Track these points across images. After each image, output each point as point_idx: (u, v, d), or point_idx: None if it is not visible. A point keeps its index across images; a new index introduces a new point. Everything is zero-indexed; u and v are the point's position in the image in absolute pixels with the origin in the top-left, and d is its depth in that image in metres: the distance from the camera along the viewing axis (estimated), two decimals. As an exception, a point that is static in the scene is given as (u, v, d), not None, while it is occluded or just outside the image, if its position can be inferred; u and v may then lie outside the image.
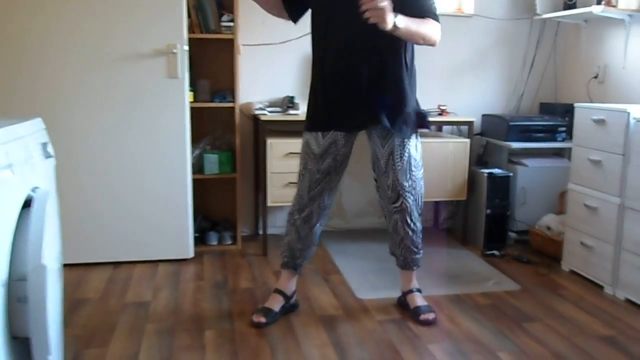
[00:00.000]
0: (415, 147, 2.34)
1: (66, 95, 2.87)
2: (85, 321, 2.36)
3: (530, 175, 3.50)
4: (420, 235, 2.44)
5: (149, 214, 3.03)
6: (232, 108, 3.25)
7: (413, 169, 2.33)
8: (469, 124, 3.44)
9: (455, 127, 3.78)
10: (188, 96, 3.00)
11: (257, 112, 3.31)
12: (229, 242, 3.37)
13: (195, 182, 3.17)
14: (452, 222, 3.90)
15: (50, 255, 1.55)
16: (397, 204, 2.35)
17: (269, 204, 3.18)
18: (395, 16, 1.99)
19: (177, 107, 2.97)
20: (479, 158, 3.79)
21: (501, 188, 3.35)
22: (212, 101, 3.25)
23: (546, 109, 3.79)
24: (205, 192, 3.50)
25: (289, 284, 2.47)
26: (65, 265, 2.68)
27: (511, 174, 3.40)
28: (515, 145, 3.43)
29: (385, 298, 2.64)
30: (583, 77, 3.68)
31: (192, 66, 3.14)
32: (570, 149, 3.15)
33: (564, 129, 3.51)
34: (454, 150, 3.35)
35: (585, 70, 3.67)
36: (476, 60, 3.81)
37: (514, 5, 3.79)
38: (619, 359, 2.12)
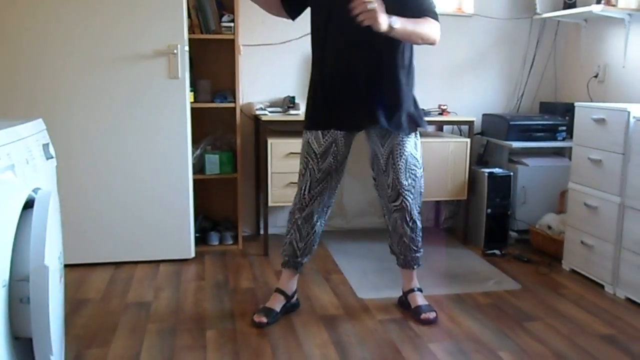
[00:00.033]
0: (415, 145, 2.34)
1: (67, 96, 2.88)
2: (87, 321, 2.37)
3: (531, 175, 3.50)
4: (420, 234, 2.44)
5: (150, 214, 3.03)
6: (233, 108, 3.25)
7: (413, 167, 2.33)
8: (470, 123, 3.45)
9: (455, 126, 3.79)
10: (189, 96, 3.00)
11: (257, 112, 3.32)
12: (230, 242, 3.38)
13: (196, 182, 3.18)
14: (453, 221, 3.90)
15: (51, 256, 1.56)
16: (397, 203, 2.35)
17: (270, 204, 3.19)
18: (390, 17, 1.99)
19: (178, 108, 2.97)
20: (479, 157, 3.79)
21: (502, 187, 3.36)
22: (212, 101, 3.25)
23: (546, 108, 3.80)
24: (206, 192, 3.50)
25: (290, 284, 2.48)
26: (67, 266, 2.69)
27: (512, 174, 3.40)
28: (516, 144, 3.43)
29: (386, 297, 2.64)
30: (583, 77, 3.68)
31: (192, 66, 3.15)
32: (570, 148, 3.16)
33: (564, 128, 3.51)
34: (455, 149, 3.35)
35: (585, 70, 3.67)
36: (476, 59, 3.82)
37: (514, 4, 3.80)
38: (620, 358, 2.12)
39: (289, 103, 3.36)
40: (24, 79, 2.83)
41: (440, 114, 3.53)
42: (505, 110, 3.91)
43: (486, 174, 3.34)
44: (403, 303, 2.53)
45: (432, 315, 2.40)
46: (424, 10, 2.16)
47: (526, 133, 3.46)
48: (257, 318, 2.35)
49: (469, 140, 3.38)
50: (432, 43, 2.18)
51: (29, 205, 1.54)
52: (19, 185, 1.49)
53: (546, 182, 3.51)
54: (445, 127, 3.82)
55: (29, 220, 1.50)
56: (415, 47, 2.32)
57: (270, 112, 3.31)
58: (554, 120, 3.53)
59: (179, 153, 3.01)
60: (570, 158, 3.21)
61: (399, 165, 2.31)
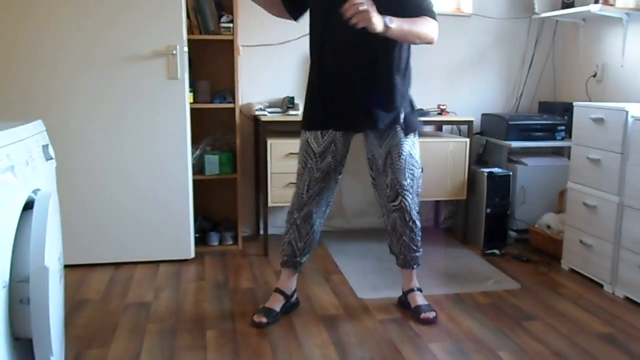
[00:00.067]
0: (413, 145, 2.35)
1: (66, 97, 2.88)
2: (87, 322, 2.37)
3: (530, 174, 3.50)
4: (420, 234, 2.45)
5: (150, 215, 3.04)
6: (232, 109, 3.25)
7: (412, 167, 2.34)
8: (469, 123, 3.45)
9: (454, 126, 3.79)
10: (188, 97, 3.01)
11: (257, 112, 3.33)
12: (230, 242, 3.38)
13: (195, 182, 3.18)
14: (452, 221, 3.91)
15: (51, 257, 1.56)
16: (396, 203, 2.36)
17: (270, 204, 3.19)
18: (384, 17, 1.99)
19: (177, 108, 2.97)
20: (478, 157, 3.80)
21: (501, 187, 3.36)
22: (212, 102, 3.26)
23: (545, 108, 3.80)
24: (206, 192, 3.51)
25: (289, 283, 2.48)
26: (66, 266, 2.69)
27: (511, 173, 3.41)
28: (515, 144, 3.44)
29: (386, 297, 2.65)
30: (582, 76, 3.69)
31: (191, 67, 3.15)
32: (569, 147, 3.16)
33: (563, 127, 3.52)
34: (454, 149, 3.35)
35: (583, 69, 3.68)
36: (475, 59, 3.82)
37: (513, 4, 3.80)
38: (619, 357, 2.13)
39: (288, 103, 3.36)
40: (21, 79, 2.83)
41: (440, 113, 3.54)
42: (504, 110, 3.91)
43: (485, 174, 3.35)
44: (403, 303, 2.53)
45: (431, 315, 2.40)
46: (422, 10, 2.16)
47: (525, 133, 3.47)
48: (257, 318, 2.35)
49: (468, 140, 3.38)
50: (429, 42, 2.18)
51: (28, 206, 1.54)
52: (18, 187, 1.49)
53: (545, 182, 3.52)
54: (444, 127, 3.83)
55: (29, 221, 1.50)
56: (413, 48, 2.32)
57: (269, 112, 3.31)
58: (552, 119, 3.54)
59: (178, 154, 3.01)
60: (569, 157, 3.22)
61: (397, 165, 2.31)
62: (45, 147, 1.80)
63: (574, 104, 3.03)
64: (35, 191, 1.61)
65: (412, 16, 2.11)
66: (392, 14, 2.04)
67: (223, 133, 3.41)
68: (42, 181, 1.71)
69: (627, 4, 3.21)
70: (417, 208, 2.41)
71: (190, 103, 3.07)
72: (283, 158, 3.15)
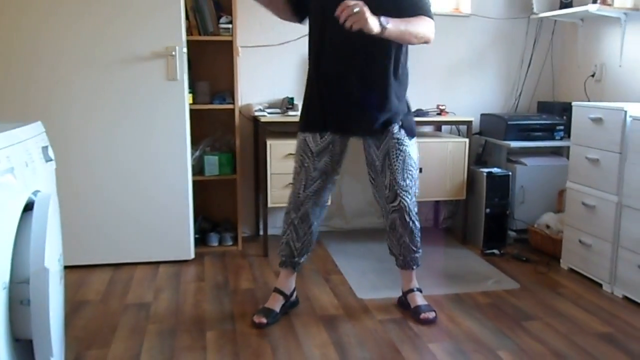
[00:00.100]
0: (411, 147, 2.35)
1: (65, 98, 2.88)
2: (87, 323, 2.37)
3: (529, 174, 3.51)
4: (419, 234, 2.45)
5: (150, 216, 3.04)
6: (232, 109, 3.26)
7: (410, 168, 2.34)
8: (468, 123, 3.46)
9: (454, 126, 3.80)
10: (187, 98, 3.01)
11: (256, 113, 3.33)
12: (230, 243, 3.39)
13: (195, 183, 3.18)
14: (452, 221, 3.91)
15: (51, 258, 1.57)
16: (395, 203, 2.36)
17: (270, 204, 3.19)
18: (379, 18, 1.98)
19: (177, 109, 2.98)
20: (477, 157, 3.80)
21: (500, 187, 3.36)
22: (211, 103, 3.26)
23: (544, 107, 3.81)
24: (206, 193, 3.51)
25: (288, 283, 2.49)
26: (66, 267, 2.70)
27: (510, 173, 3.41)
28: (514, 144, 3.44)
29: (385, 298, 2.65)
30: (580, 76, 3.69)
31: (191, 68, 3.15)
32: (568, 147, 3.17)
33: (562, 127, 3.52)
34: (453, 149, 3.36)
35: (582, 69, 3.68)
36: (474, 59, 3.83)
37: (511, 4, 3.80)
38: (618, 356, 2.13)
39: (288, 104, 3.37)
40: (21, 81, 2.83)
41: (439, 114, 3.54)
42: (503, 110, 3.92)
43: (485, 174, 3.35)
44: (403, 303, 2.54)
45: (431, 315, 2.40)
46: (418, 9, 2.16)
47: (524, 133, 3.47)
48: (256, 319, 2.36)
49: (467, 140, 3.38)
50: (426, 41, 2.18)
51: (28, 207, 1.54)
52: (18, 188, 1.49)
53: (544, 182, 3.52)
54: (443, 127, 3.83)
55: (29, 222, 1.50)
56: (410, 49, 2.33)
57: (269, 113, 3.31)
58: (551, 119, 3.54)
59: (178, 154, 3.02)
60: (568, 157, 3.22)
61: (395, 165, 2.31)
62: (44, 148, 1.80)
63: (573, 103, 3.03)
64: (35, 193, 1.62)
65: (408, 16, 2.11)
66: (389, 14, 2.03)
67: (222, 134, 3.41)
68: (42, 183, 1.71)
69: (625, 4, 3.21)
70: (415, 209, 2.41)
71: (190, 104, 3.07)
72: (283, 159, 3.15)
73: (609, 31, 3.45)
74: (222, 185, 3.49)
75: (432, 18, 2.18)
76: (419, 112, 3.44)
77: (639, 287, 2.59)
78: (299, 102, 3.37)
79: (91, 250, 3.02)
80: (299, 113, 3.29)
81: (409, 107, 2.38)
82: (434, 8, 3.68)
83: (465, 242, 3.53)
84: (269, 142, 3.14)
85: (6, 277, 1.40)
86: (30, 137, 1.69)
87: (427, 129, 3.83)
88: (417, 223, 2.42)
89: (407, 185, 2.34)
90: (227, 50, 3.23)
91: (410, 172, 2.35)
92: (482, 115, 3.75)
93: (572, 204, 3.02)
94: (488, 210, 3.36)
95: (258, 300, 2.61)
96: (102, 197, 2.98)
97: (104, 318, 2.42)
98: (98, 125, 2.93)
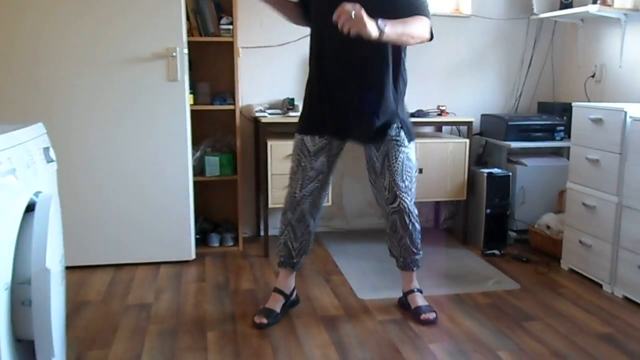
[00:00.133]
0: (410, 149, 2.36)
1: (65, 99, 2.89)
2: (88, 323, 2.38)
3: (530, 175, 3.51)
4: (420, 236, 2.45)
5: (151, 217, 3.04)
6: (233, 110, 3.26)
7: (409, 169, 2.35)
8: (468, 124, 3.46)
9: (454, 127, 3.80)
10: (188, 99, 3.02)
11: (257, 114, 3.33)
12: (231, 243, 3.39)
13: (196, 184, 3.19)
14: (452, 222, 3.92)
15: (53, 259, 1.57)
16: (395, 205, 2.36)
17: (270, 205, 3.20)
18: (377, 20, 1.97)
19: (178, 110, 2.98)
20: (478, 158, 3.81)
21: (501, 188, 3.37)
22: (212, 104, 3.27)
23: (544, 108, 3.81)
24: (207, 194, 3.52)
25: (288, 282, 2.49)
26: (67, 268, 2.70)
27: (510, 174, 3.41)
28: (514, 144, 3.45)
29: (386, 298, 2.65)
30: (580, 76, 3.70)
31: (191, 69, 3.16)
32: (568, 148, 3.17)
33: (562, 128, 3.53)
34: (454, 150, 3.36)
35: (582, 70, 3.69)
36: (474, 60, 3.83)
37: (511, 5, 3.81)
38: (617, 357, 2.13)
39: (288, 105, 3.37)
40: (22, 82, 2.84)
41: (439, 114, 3.54)
42: (504, 111, 3.92)
43: (485, 174, 3.36)
44: (403, 304, 2.54)
45: (432, 315, 2.41)
46: (415, 9, 2.15)
47: (524, 133, 3.47)
48: (257, 319, 2.36)
49: (467, 140, 3.39)
50: (423, 40, 2.16)
51: (30, 208, 1.55)
52: (20, 189, 1.50)
53: (545, 182, 3.52)
54: (444, 127, 3.84)
55: (31, 223, 1.51)
56: (410, 51, 2.33)
57: (269, 114, 3.32)
58: (552, 120, 3.54)
59: (179, 155, 3.02)
60: (568, 158, 3.23)
61: (394, 167, 2.32)
62: (46, 149, 1.80)
63: (573, 104, 3.04)
64: (36, 194, 1.62)
65: (405, 15, 2.10)
66: (386, 14, 2.03)
67: (223, 134, 3.42)
68: (43, 184, 1.72)
69: (625, 5, 3.22)
70: (416, 211, 2.42)
71: (191, 105, 3.08)
72: (283, 159, 3.15)
73: (609, 32, 3.45)
74: (222, 185, 3.49)
75: (428, 17, 2.17)
76: (420, 113, 3.44)
77: (639, 287, 2.59)
78: (299, 103, 3.36)
79: (92, 251, 3.02)
80: (299, 114, 3.32)
81: (405, 111, 2.38)
82: (434, 9, 3.72)
83: (466, 242, 3.54)
84: (269, 143, 3.14)
85: (8, 278, 1.41)
86: (32, 138, 1.69)
87: (428, 129, 3.84)
88: (417, 225, 2.42)
89: (406, 187, 2.35)
90: (227, 51, 3.23)
91: (409, 174, 2.35)
92: (482, 115, 3.76)
93: (572, 205, 3.02)
94: (488, 210, 3.36)
95: (259, 300, 2.62)
96: (103, 198, 2.99)
97: (105, 318, 2.42)
98: (99, 126, 2.94)
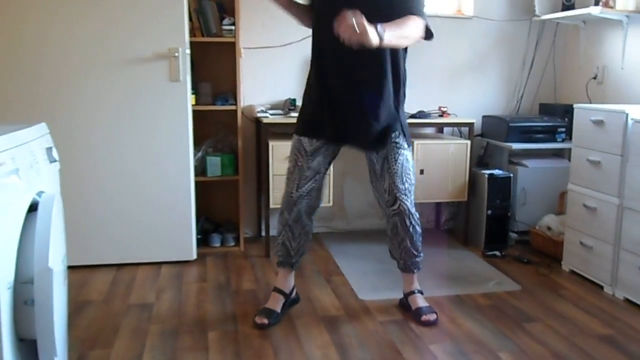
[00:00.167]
0: (408, 153, 2.36)
1: (68, 99, 2.89)
2: (89, 323, 2.38)
3: (531, 176, 3.51)
4: (420, 238, 2.45)
5: (152, 217, 3.05)
6: (234, 111, 3.27)
7: (408, 171, 2.35)
8: (470, 125, 3.46)
9: (455, 128, 3.80)
10: (190, 99, 3.02)
11: (259, 114, 3.34)
12: (232, 243, 3.40)
13: (197, 184, 3.19)
14: (453, 223, 3.92)
15: (55, 259, 1.58)
16: (395, 207, 2.37)
17: (272, 205, 3.20)
18: (375, 26, 1.95)
19: (180, 110, 2.99)
20: (479, 159, 3.81)
21: (502, 189, 3.37)
22: (214, 104, 3.27)
23: (546, 109, 3.81)
24: (208, 194, 3.52)
25: (287, 281, 2.50)
26: (69, 268, 2.70)
27: (511, 175, 3.41)
28: (516, 146, 3.45)
29: (386, 299, 2.66)
30: (582, 78, 3.70)
31: (193, 69, 3.17)
32: (569, 149, 3.17)
33: (563, 129, 3.53)
34: (455, 151, 3.36)
35: (584, 71, 3.69)
36: (476, 61, 3.83)
37: (513, 6, 3.81)
38: (618, 359, 2.13)
39: (290, 105, 3.38)
40: (24, 83, 2.84)
41: (441, 115, 3.55)
42: (505, 112, 3.92)
43: (486, 176, 3.36)
44: (404, 305, 2.54)
45: (432, 316, 2.41)
46: (408, 8, 2.14)
47: (526, 134, 3.47)
48: (258, 319, 2.36)
49: (469, 142, 3.39)
50: (417, 40, 2.16)
51: (33, 208, 1.55)
52: (23, 189, 1.50)
53: (546, 184, 3.52)
54: (445, 129, 3.84)
55: (34, 223, 1.51)
56: (412, 52, 2.33)
57: (271, 114, 3.32)
58: (553, 121, 3.55)
59: (180, 155, 3.03)
60: (569, 159, 3.23)
61: (394, 169, 2.32)
62: (49, 149, 1.81)
63: (575, 105, 3.04)
64: (39, 193, 1.63)
65: (399, 16, 2.09)
66: (383, 14, 2.03)
67: (225, 135, 3.42)
68: (46, 183, 1.72)
69: (627, 6, 3.22)
70: (416, 213, 2.42)
71: (192, 105, 3.08)
72: (285, 160, 3.15)
73: (611, 33, 3.45)
74: (224, 186, 3.50)
75: (422, 16, 2.16)
76: (421, 114, 3.45)
77: (640, 289, 2.60)
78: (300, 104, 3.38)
79: (94, 251, 3.03)
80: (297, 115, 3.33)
81: (403, 115, 2.39)
82: (436, 10, 3.72)
83: (467, 243, 3.54)
84: (271, 143, 3.15)
85: (11, 277, 1.41)
86: (35, 138, 1.70)
87: (429, 130, 3.84)
88: (418, 227, 2.42)
89: (406, 189, 2.35)
90: (229, 51, 3.24)
91: (409, 176, 2.36)
92: (483, 117, 3.76)
93: (573, 206, 3.03)
94: (489, 211, 3.36)
95: (260, 300, 2.62)
96: (105, 198, 3.00)
97: (107, 318, 2.43)
98: (101, 126, 2.94)
